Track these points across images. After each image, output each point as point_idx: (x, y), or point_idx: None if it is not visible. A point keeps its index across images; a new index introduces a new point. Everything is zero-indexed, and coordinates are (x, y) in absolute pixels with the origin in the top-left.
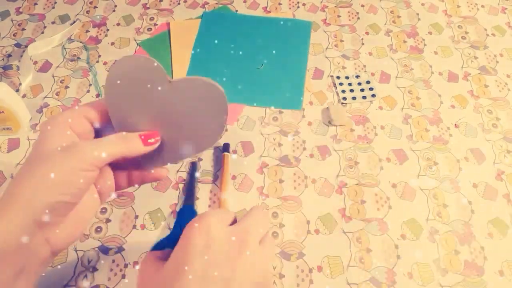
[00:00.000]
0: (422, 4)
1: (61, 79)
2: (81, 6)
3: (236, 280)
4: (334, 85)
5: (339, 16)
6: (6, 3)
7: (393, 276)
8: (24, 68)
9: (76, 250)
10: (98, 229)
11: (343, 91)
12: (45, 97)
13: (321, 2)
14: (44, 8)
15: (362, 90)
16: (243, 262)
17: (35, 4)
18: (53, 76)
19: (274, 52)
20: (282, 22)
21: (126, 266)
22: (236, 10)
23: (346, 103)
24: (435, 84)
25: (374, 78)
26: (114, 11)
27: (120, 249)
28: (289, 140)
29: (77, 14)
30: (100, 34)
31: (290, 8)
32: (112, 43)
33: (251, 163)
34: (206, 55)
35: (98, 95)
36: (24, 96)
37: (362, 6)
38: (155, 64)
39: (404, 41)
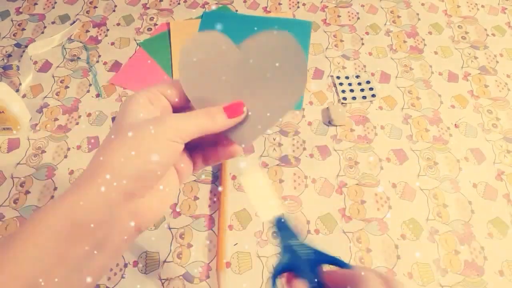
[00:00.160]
0: (422, 4)
1: (61, 79)
2: (81, 6)
3: None
4: (334, 85)
5: (339, 16)
6: (6, 3)
7: (393, 276)
8: (24, 68)
9: None
10: None
11: (343, 91)
12: (45, 97)
13: (321, 2)
14: (44, 8)
15: (362, 90)
16: None
17: (35, 4)
18: (53, 76)
19: None
20: (282, 22)
21: (126, 266)
22: (236, 10)
23: (346, 103)
24: (435, 84)
25: (374, 78)
26: (114, 11)
27: None
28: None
29: (77, 14)
30: (100, 34)
31: (290, 8)
32: (112, 43)
33: (251, 163)
34: None
35: (98, 95)
36: (24, 96)
37: (362, 6)
38: (222, 35)
39: (404, 41)
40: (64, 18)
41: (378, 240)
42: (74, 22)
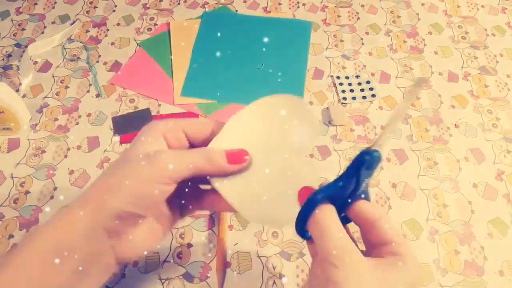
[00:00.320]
0: (422, 4)
1: (61, 79)
2: (81, 6)
3: None
4: (334, 85)
5: (339, 16)
6: (6, 3)
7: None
8: (24, 68)
9: None
10: None
11: (343, 91)
12: (45, 97)
13: (321, 2)
14: (44, 8)
15: (362, 90)
16: None
17: (35, 4)
18: (53, 76)
19: (274, 52)
20: (282, 22)
21: (125, 265)
22: (236, 10)
23: (346, 103)
24: (435, 84)
25: (374, 78)
26: (114, 11)
27: None
28: None
29: (77, 14)
30: (100, 34)
31: (290, 8)
32: (112, 43)
33: None
34: (206, 55)
35: (98, 95)
36: (24, 96)
37: (362, 6)
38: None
39: (404, 41)
40: (64, 18)
41: None
42: (74, 22)
